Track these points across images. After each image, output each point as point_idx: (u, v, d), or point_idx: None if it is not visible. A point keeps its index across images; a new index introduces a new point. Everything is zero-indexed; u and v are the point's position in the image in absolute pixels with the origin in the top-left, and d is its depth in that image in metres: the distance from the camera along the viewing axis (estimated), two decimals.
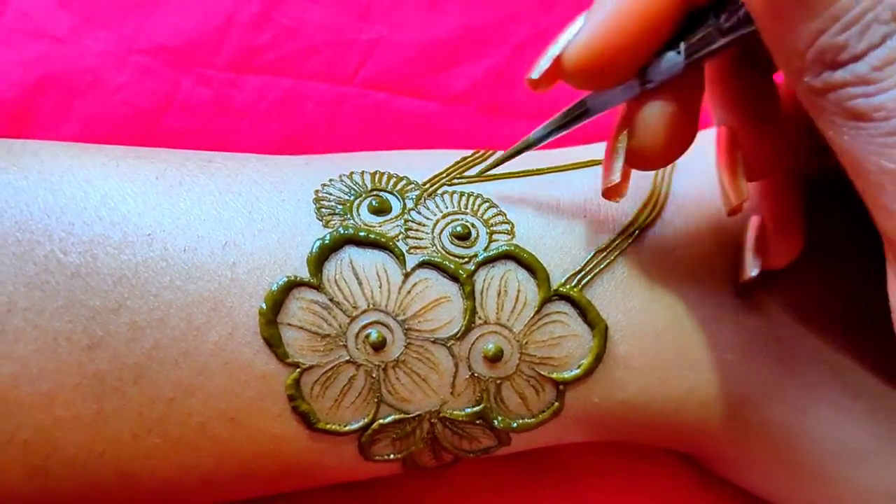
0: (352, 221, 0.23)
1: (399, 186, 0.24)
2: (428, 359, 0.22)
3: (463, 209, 0.24)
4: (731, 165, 0.22)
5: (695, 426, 0.25)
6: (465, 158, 0.26)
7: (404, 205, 0.24)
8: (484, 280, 0.23)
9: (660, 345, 0.24)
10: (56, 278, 0.21)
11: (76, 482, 0.21)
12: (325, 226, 0.23)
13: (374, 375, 0.22)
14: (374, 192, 0.24)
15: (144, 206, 0.22)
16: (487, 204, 0.24)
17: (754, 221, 0.24)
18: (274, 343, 0.22)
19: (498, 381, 0.23)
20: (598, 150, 0.26)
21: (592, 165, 0.26)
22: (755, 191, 0.24)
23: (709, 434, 0.25)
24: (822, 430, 0.24)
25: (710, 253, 0.25)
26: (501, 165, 0.25)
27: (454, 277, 0.23)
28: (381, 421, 0.23)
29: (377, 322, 0.22)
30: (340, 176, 0.24)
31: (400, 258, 0.23)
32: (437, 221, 0.24)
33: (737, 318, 0.24)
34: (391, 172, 0.25)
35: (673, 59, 0.20)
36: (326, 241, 0.22)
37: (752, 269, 0.24)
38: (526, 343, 0.23)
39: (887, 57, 0.15)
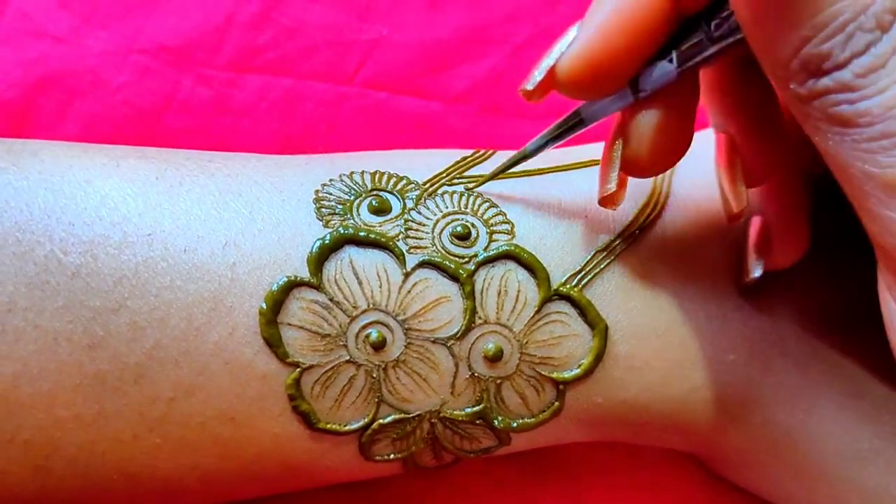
0: (352, 221, 0.23)
1: (399, 186, 0.24)
2: (428, 358, 0.22)
3: (463, 209, 0.24)
4: (731, 172, 0.22)
5: (696, 426, 0.25)
6: (465, 158, 0.26)
7: (404, 205, 0.24)
8: (484, 280, 0.23)
9: (661, 345, 0.24)
10: (56, 278, 0.21)
11: (77, 482, 0.21)
12: (326, 226, 0.23)
13: (374, 375, 0.22)
14: (374, 192, 0.24)
15: (145, 206, 0.22)
16: (488, 204, 0.24)
17: (756, 222, 0.24)
18: (274, 343, 0.22)
19: (498, 381, 0.23)
20: (598, 149, 0.26)
21: (593, 165, 0.26)
22: (760, 191, 0.24)
23: (710, 434, 0.25)
24: (825, 431, 0.24)
25: (711, 253, 0.25)
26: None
27: (454, 277, 0.23)
28: (381, 421, 0.23)
29: (377, 322, 0.22)
30: (340, 176, 0.24)
31: (400, 258, 0.23)
32: (438, 221, 0.24)
33: (739, 319, 0.24)
34: (391, 172, 0.25)
35: (665, 68, 0.20)
36: (326, 241, 0.22)
37: (755, 270, 0.24)
38: (526, 343, 0.23)
39: (871, 64, 0.16)
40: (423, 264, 0.23)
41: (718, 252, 0.25)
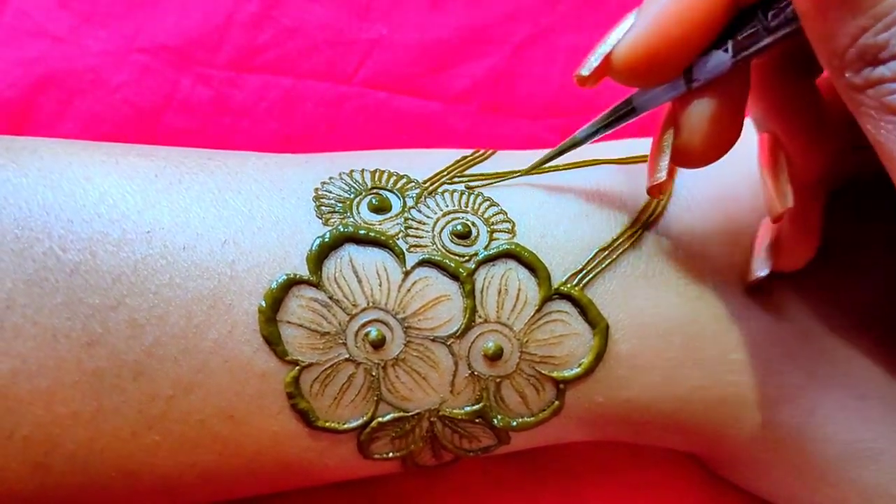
0: (352, 219, 0.23)
1: (399, 185, 0.24)
2: (428, 357, 0.22)
3: (463, 207, 0.24)
4: (775, 171, 0.22)
5: (699, 426, 0.25)
6: (465, 157, 0.26)
7: (404, 203, 0.24)
8: (484, 279, 0.23)
9: (664, 343, 0.24)
10: (55, 275, 0.21)
11: (77, 479, 0.21)
12: (325, 224, 0.23)
13: (373, 374, 0.22)
14: (375, 191, 0.24)
15: (144, 203, 0.22)
16: (488, 202, 0.24)
17: (767, 222, 0.24)
18: (273, 341, 0.22)
19: (498, 380, 0.23)
20: (599, 149, 0.26)
21: (594, 165, 0.26)
22: (774, 192, 0.24)
23: (713, 434, 0.25)
24: (829, 431, 0.24)
25: (714, 252, 0.25)
26: (508, 164, 0.25)
27: (454, 276, 0.23)
28: (380, 419, 0.23)
29: (377, 320, 0.22)
30: (340, 174, 0.24)
31: (400, 256, 0.23)
32: (438, 220, 0.23)
33: (743, 318, 0.24)
34: (391, 171, 0.25)
35: (720, 58, 0.20)
36: (326, 239, 0.22)
37: (761, 269, 0.24)
38: (526, 342, 0.23)
39: None
40: (422, 263, 0.23)
41: (721, 251, 0.25)
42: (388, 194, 0.24)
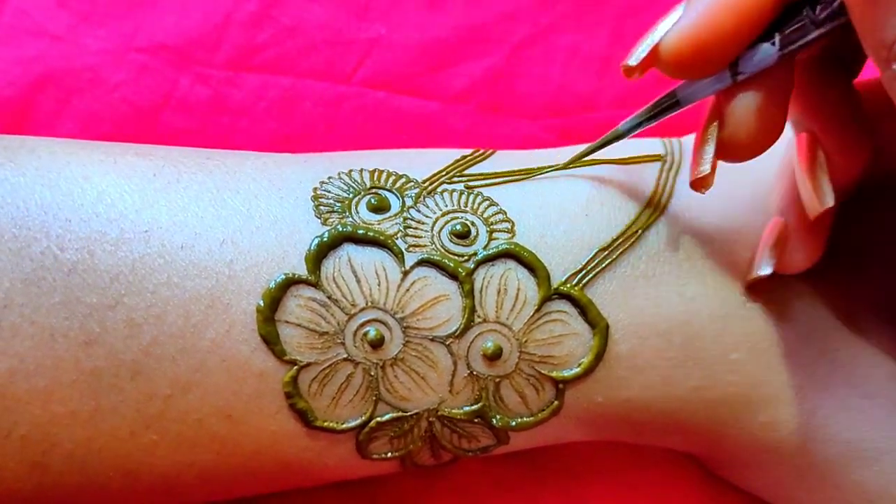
0: (350, 219, 0.23)
1: (398, 184, 0.24)
2: (426, 357, 0.22)
3: (463, 207, 0.24)
4: (813, 170, 0.22)
5: (699, 426, 0.25)
6: (464, 157, 0.25)
7: (403, 203, 0.24)
8: (483, 278, 0.23)
9: (664, 343, 0.24)
10: (53, 275, 0.21)
11: (75, 478, 0.21)
12: (324, 223, 0.23)
13: (372, 373, 0.22)
14: (373, 190, 0.24)
15: (142, 202, 0.22)
16: (488, 202, 0.24)
17: (776, 222, 0.24)
18: (271, 340, 0.21)
19: (497, 380, 0.23)
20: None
21: (594, 164, 0.25)
22: (786, 194, 0.24)
23: (713, 434, 0.25)
24: (829, 432, 0.24)
25: (714, 252, 0.25)
26: (507, 164, 0.25)
27: (453, 276, 0.23)
28: (378, 419, 0.22)
29: (375, 320, 0.22)
30: (339, 174, 0.24)
31: (399, 256, 0.23)
32: (437, 219, 0.23)
33: (743, 318, 0.24)
34: (390, 170, 0.25)
35: (767, 51, 0.20)
36: (325, 239, 0.22)
37: (763, 269, 0.23)
38: (525, 341, 0.23)
39: None
40: (421, 262, 0.23)
41: (722, 251, 0.25)
42: (387, 194, 0.24)
